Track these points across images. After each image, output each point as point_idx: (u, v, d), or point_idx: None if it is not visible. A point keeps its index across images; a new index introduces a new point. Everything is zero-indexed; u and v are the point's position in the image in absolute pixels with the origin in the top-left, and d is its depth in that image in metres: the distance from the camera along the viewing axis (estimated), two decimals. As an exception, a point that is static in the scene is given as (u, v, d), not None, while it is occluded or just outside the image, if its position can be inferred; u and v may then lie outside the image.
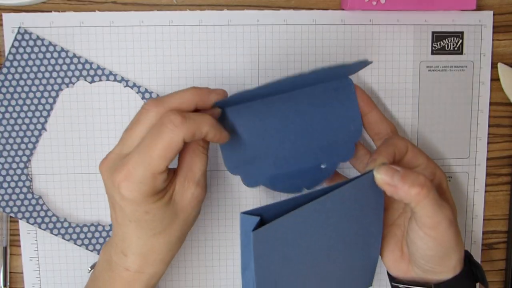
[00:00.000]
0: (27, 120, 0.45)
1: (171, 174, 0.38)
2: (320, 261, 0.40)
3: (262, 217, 0.34)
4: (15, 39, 0.44)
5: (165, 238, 0.38)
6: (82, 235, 0.47)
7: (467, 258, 0.41)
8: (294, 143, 0.42)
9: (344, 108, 0.42)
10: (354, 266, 0.42)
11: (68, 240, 0.47)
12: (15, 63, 0.45)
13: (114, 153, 0.37)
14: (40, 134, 0.46)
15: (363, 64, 0.40)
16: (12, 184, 0.46)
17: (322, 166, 0.43)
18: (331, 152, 0.43)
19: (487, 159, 0.49)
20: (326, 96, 0.42)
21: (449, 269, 0.40)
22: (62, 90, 0.45)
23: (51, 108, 0.46)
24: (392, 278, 0.43)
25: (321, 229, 0.37)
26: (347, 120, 0.42)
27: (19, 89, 0.45)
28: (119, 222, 0.38)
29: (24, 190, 0.46)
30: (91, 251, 0.47)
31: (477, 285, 0.41)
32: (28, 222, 0.46)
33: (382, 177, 0.37)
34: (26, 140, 0.46)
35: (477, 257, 0.50)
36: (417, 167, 0.42)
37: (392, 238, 0.43)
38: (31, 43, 0.45)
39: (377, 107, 0.44)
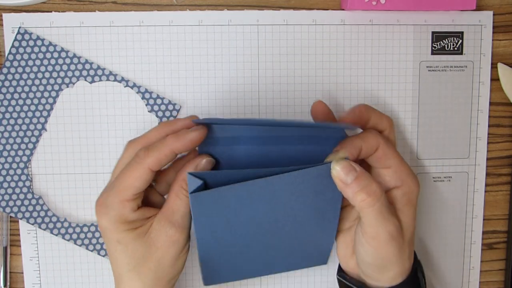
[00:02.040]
0: (27, 120, 0.45)
1: (151, 210, 0.39)
2: (267, 233, 0.41)
3: (207, 182, 0.36)
4: (15, 39, 0.44)
5: (140, 276, 0.38)
6: (82, 235, 0.47)
7: (414, 270, 0.41)
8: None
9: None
10: (307, 244, 0.43)
11: (68, 240, 0.47)
12: (15, 63, 0.45)
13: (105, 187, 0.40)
14: (40, 134, 0.46)
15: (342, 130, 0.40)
16: (12, 184, 0.46)
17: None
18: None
19: (487, 159, 0.49)
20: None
21: (387, 279, 0.40)
22: (62, 90, 0.45)
23: (51, 108, 0.46)
24: (340, 270, 0.44)
25: (267, 205, 0.39)
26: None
27: (19, 89, 0.45)
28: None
29: (24, 190, 0.46)
30: (91, 251, 0.47)
31: None
32: (28, 222, 0.46)
33: (337, 172, 0.37)
34: (26, 140, 0.46)
35: (477, 257, 0.50)
36: (386, 168, 0.40)
37: (348, 234, 0.43)
38: (31, 43, 0.45)
39: (370, 112, 0.42)
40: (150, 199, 0.41)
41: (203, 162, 0.39)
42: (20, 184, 0.46)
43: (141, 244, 0.38)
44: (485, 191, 0.49)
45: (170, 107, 0.46)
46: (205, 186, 0.37)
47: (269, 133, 0.39)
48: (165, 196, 0.42)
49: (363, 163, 0.41)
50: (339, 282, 0.44)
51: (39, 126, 0.46)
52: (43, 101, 0.45)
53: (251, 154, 0.39)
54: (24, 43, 0.45)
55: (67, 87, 0.45)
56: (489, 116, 0.48)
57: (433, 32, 0.47)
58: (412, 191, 0.40)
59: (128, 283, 0.39)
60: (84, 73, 0.45)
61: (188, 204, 0.38)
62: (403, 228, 0.39)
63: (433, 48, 0.47)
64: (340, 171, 0.36)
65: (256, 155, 0.39)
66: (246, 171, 0.36)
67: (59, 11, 0.45)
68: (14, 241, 0.48)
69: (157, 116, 0.46)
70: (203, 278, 0.43)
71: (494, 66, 0.48)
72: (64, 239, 0.47)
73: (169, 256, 0.38)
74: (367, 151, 0.39)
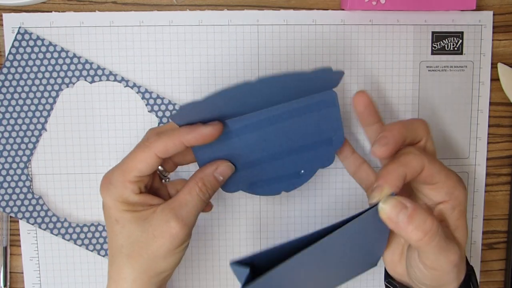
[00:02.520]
0: (27, 120, 0.45)
1: (155, 199, 0.39)
2: (321, 281, 0.39)
3: (254, 265, 0.33)
4: (15, 39, 0.44)
5: (130, 261, 0.38)
6: (82, 235, 0.47)
7: (467, 276, 0.39)
8: (274, 153, 0.42)
9: (326, 119, 0.42)
10: (358, 262, 0.42)
11: (68, 240, 0.47)
12: (15, 63, 0.45)
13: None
14: (40, 134, 0.46)
15: (336, 73, 0.38)
16: (12, 184, 0.46)
17: (302, 172, 0.43)
18: (311, 159, 0.43)
19: (487, 159, 0.49)
20: (308, 109, 0.41)
21: None
22: (62, 90, 0.45)
23: (51, 108, 0.46)
24: (387, 275, 0.43)
25: (318, 268, 0.36)
26: (329, 130, 0.42)
27: (19, 89, 0.45)
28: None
29: (24, 190, 0.46)
30: (91, 251, 0.47)
31: None
32: (28, 222, 0.46)
33: (387, 212, 0.34)
34: (26, 140, 0.46)
35: (477, 257, 0.50)
36: (432, 184, 0.37)
37: (395, 241, 0.41)
38: (31, 43, 0.45)
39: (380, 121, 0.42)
40: (160, 193, 0.41)
41: (223, 166, 0.39)
42: (20, 184, 0.46)
43: (138, 228, 0.38)
44: (485, 191, 0.49)
45: (170, 107, 0.46)
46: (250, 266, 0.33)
47: (259, 117, 0.39)
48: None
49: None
50: None
51: (39, 126, 0.46)
52: (43, 101, 0.45)
53: (250, 143, 0.40)
54: (24, 43, 0.45)
55: (67, 87, 0.45)
56: (489, 116, 0.48)
57: (433, 32, 0.47)
58: (461, 202, 0.37)
59: (119, 266, 0.38)
60: (84, 73, 0.45)
61: (197, 204, 0.38)
62: (460, 244, 0.37)
63: (433, 48, 0.47)
64: (390, 212, 0.34)
65: (255, 141, 0.40)
66: (290, 242, 0.33)
67: (59, 11, 0.45)
68: (14, 241, 0.48)
69: (157, 116, 0.46)
70: None
71: (494, 66, 0.48)
72: (64, 239, 0.47)
73: (164, 248, 0.37)
74: (411, 177, 0.36)
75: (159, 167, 0.41)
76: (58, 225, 0.47)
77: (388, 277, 0.42)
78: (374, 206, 0.34)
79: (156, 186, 0.40)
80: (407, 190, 0.41)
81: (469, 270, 0.40)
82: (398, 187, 0.35)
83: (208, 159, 0.40)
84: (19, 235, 0.47)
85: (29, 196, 0.46)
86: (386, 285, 0.43)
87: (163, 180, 0.41)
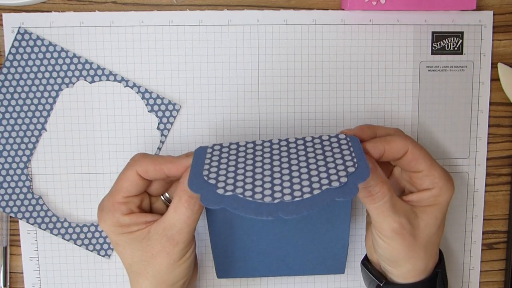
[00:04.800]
0: (27, 120, 0.45)
1: (148, 215, 0.39)
2: (279, 235, 0.42)
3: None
4: (15, 39, 0.44)
5: (142, 278, 0.39)
6: (82, 235, 0.47)
7: (434, 274, 0.41)
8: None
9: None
10: (320, 247, 0.44)
11: (68, 240, 0.47)
12: (15, 63, 0.45)
13: None
14: (40, 134, 0.46)
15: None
16: (12, 184, 0.46)
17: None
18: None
19: (487, 159, 0.49)
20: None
21: (399, 274, 0.40)
22: (62, 90, 0.45)
23: (51, 108, 0.46)
24: (365, 258, 0.45)
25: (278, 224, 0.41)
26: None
27: (19, 89, 0.45)
28: None
29: (24, 190, 0.46)
30: (91, 251, 0.47)
31: None
32: (28, 222, 0.46)
33: None
34: (26, 140, 0.46)
35: (477, 257, 0.50)
36: (416, 172, 0.40)
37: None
38: (31, 43, 0.45)
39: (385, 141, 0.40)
40: (161, 211, 0.41)
41: None
42: (20, 184, 0.46)
43: (138, 248, 0.38)
44: (485, 191, 0.49)
45: (170, 107, 0.46)
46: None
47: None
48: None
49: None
50: (362, 269, 0.45)
51: (39, 126, 0.46)
52: (43, 101, 0.45)
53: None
54: (24, 43, 0.45)
55: (67, 87, 0.45)
56: (489, 116, 0.48)
57: (433, 32, 0.47)
58: (440, 194, 0.39)
59: (136, 281, 0.40)
60: (84, 73, 0.45)
61: (186, 221, 0.38)
62: (419, 227, 0.39)
63: (433, 48, 0.47)
64: None
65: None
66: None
67: (59, 11, 0.45)
68: (14, 241, 0.48)
69: (157, 116, 0.46)
70: (216, 271, 0.44)
71: (494, 66, 0.48)
72: (64, 239, 0.47)
73: (165, 264, 0.38)
74: (392, 155, 0.38)
75: (166, 194, 0.42)
76: (58, 225, 0.47)
77: (365, 259, 0.45)
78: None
79: (160, 212, 0.41)
80: (398, 182, 0.43)
81: (440, 268, 0.42)
82: (375, 158, 0.38)
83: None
84: (19, 235, 0.47)
85: (29, 196, 0.46)
86: (361, 266, 0.46)
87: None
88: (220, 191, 0.34)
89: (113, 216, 0.38)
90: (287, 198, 0.33)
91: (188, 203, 0.37)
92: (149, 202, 0.41)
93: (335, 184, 0.34)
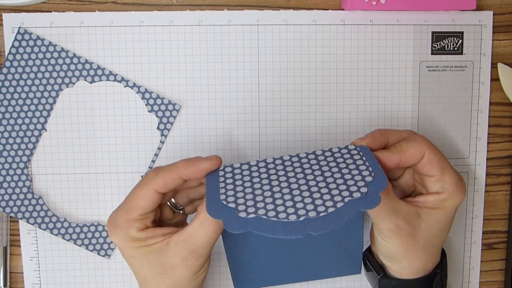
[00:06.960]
0: (27, 120, 0.45)
1: (163, 228, 0.38)
2: (295, 244, 0.42)
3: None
4: (15, 39, 0.44)
5: (160, 285, 0.39)
6: (82, 235, 0.47)
7: (432, 274, 0.41)
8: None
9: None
10: (336, 251, 0.44)
11: (68, 240, 0.47)
12: (15, 63, 0.45)
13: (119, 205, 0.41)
14: (40, 134, 0.46)
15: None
16: (12, 184, 0.46)
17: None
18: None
19: (487, 159, 0.49)
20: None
21: (397, 269, 0.41)
22: (62, 90, 0.45)
23: (51, 108, 0.46)
24: (368, 249, 0.45)
25: (289, 247, 0.41)
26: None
27: (19, 89, 0.45)
28: None
29: (24, 190, 0.46)
30: (91, 251, 0.47)
31: None
32: (28, 222, 0.46)
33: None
34: (26, 140, 0.46)
35: (477, 257, 0.50)
36: (429, 177, 0.40)
37: None
38: (31, 43, 0.45)
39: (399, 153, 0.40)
40: (167, 217, 0.42)
41: None
42: (20, 184, 0.46)
43: (156, 260, 0.38)
44: (485, 191, 0.49)
45: (170, 107, 0.46)
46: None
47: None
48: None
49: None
50: (363, 261, 0.46)
51: (39, 126, 0.46)
52: (43, 101, 0.45)
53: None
54: (24, 43, 0.45)
55: (67, 87, 0.45)
56: (489, 116, 0.48)
57: (433, 32, 0.47)
58: (448, 199, 0.39)
59: (154, 285, 0.39)
60: (84, 73, 0.45)
61: (212, 236, 0.37)
62: (419, 228, 0.39)
63: (433, 48, 0.47)
64: None
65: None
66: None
67: (59, 11, 0.45)
68: (14, 241, 0.48)
69: (157, 116, 0.46)
70: (234, 283, 0.44)
71: (494, 66, 0.48)
72: (64, 239, 0.47)
73: (185, 276, 0.38)
74: (408, 163, 0.39)
75: (172, 200, 0.42)
76: (58, 225, 0.47)
77: (368, 250, 0.45)
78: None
79: (167, 217, 0.41)
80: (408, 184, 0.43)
81: (440, 269, 0.42)
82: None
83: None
84: (19, 235, 0.47)
85: (29, 196, 0.46)
86: (363, 257, 0.46)
87: (178, 211, 0.42)
88: (243, 215, 0.33)
89: (129, 233, 0.38)
90: (312, 214, 0.32)
91: (210, 224, 0.37)
92: (159, 212, 0.41)
93: (357, 195, 0.33)
